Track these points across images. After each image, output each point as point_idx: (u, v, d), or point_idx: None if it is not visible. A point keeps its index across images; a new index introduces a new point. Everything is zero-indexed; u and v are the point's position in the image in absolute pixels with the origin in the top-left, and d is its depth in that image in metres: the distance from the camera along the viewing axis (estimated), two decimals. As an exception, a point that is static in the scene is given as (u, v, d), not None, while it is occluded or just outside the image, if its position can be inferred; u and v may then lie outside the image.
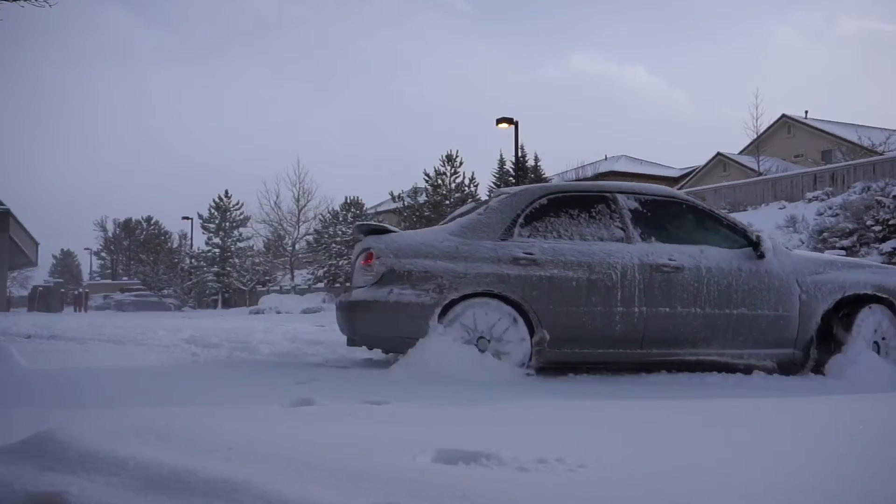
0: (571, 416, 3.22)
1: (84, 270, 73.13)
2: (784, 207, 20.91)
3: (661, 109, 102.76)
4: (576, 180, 36.09)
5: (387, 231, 5.05)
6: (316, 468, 1.86)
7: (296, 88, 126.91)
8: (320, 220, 36.22)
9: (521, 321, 4.68)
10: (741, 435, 2.82)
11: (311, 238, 36.36)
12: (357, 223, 5.54)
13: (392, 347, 4.93)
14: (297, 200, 37.55)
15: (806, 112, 38.47)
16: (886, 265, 5.74)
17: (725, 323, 4.94)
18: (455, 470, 2.01)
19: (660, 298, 4.84)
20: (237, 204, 40.47)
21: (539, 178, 31.03)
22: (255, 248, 41.31)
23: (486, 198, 5.74)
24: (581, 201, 5.07)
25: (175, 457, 1.87)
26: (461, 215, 5.31)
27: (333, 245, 31.71)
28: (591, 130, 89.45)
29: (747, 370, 4.98)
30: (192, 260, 43.51)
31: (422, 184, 30.66)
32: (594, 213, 5.02)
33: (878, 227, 14.21)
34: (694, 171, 39.47)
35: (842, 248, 13.74)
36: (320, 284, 32.33)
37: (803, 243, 15.25)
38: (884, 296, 5.17)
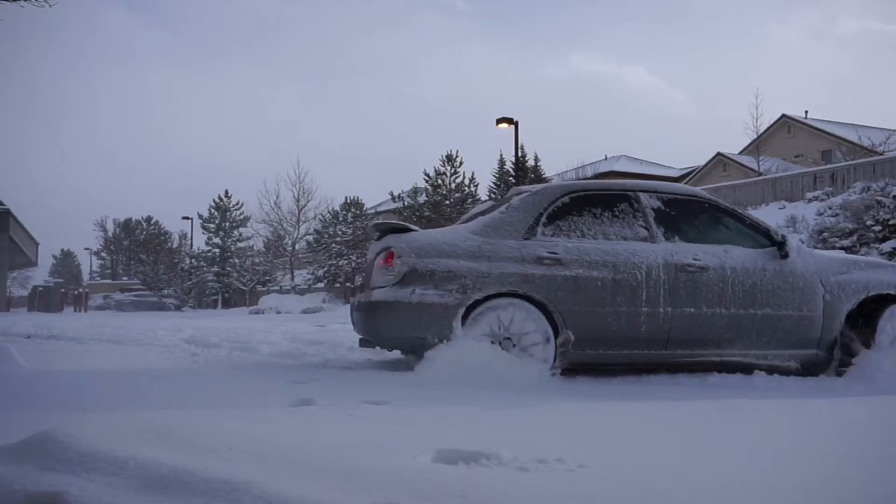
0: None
1: (84, 270, 73.19)
2: (784, 207, 20.92)
3: (661, 109, 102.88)
4: (581, 179, 36.11)
5: (407, 229, 4.95)
6: (316, 468, 1.86)
7: (296, 88, 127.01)
8: (320, 220, 36.24)
9: (545, 322, 4.61)
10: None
11: (311, 238, 36.37)
12: (375, 222, 5.39)
13: (413, 349, 4.77)
14: (297, 200, 37.59)
15: (806, 112, 38.51)
16: None
17: (750, 323, 4.90)
18: (455, 470, 2.01)
19: (685, 299, 4.79)
20: (237, 204, 40.53)
21: (539, 178, 31.00)
22: (255, 248, 41.36)
23: (500, 197, 5.67)
24: (603, 200, 5.01)
25: (175, 457, 1.87)
26: (481, 213, 5.22)
27: (333, 245, 31.72)
28: (591, 130, 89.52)
29: (770, 370, 4.92)
30: (192, 260, 43.53)
31: (422, 184, 30.68)
32: (617, 212, 4.96)
33: (878, 227, 14.21)
34: (694, 171, 39.47)
35: (841, 248, 13.74)
36: (320, 284, 32.35)
37: (803, 243, 15.25)
38: None
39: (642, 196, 5.06)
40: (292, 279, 36.51)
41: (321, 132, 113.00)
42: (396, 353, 6.18)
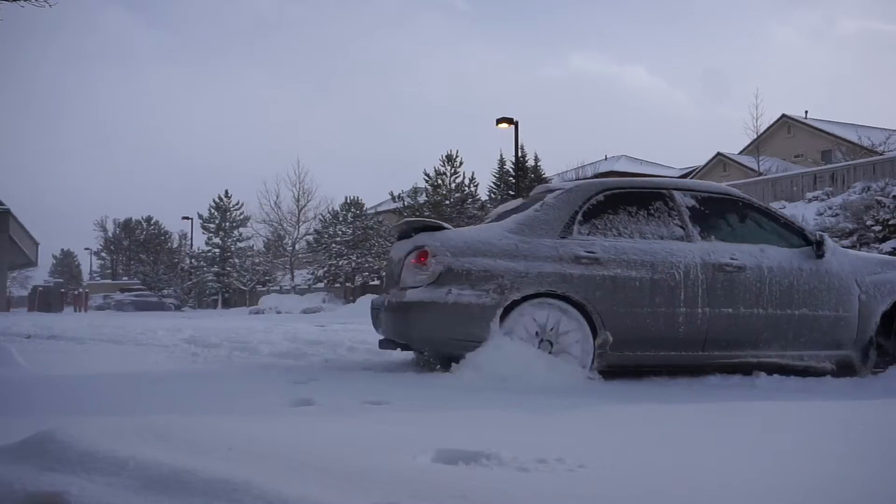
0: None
1: (84, 270, 73.16)
2: (784, 207, 20.89)
3: (661, 109, 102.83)
4: (579, 179, 36.09)
5: (440, 227, 4.82)
6: (316, 468, 1.86)
7: (296, 88, 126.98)
8: (320, 220, 36.23)
9: (584, 323, 4.52)
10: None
11: (311, 238, 36.37)
12: (406, 219, 5.27)
13: (448, 350, 4.63)
14: (297, 200, 37.60)
15: (806, 112, 38.51)
16: None
17: (787, 324, 4.86)
18: (455, 470, 2.01)
19: (723, 299, 4.74)
20: (237, 204, 40.54)
21: (539, 178, 30.99)
22: (255, 248, 41.37)
23: (525, 195, 5.51)
24: (638, 198, 4.93)
25: (175, 457, 1.87)
26: (513, 211, 5.12)
27: (333, 245, 31.71)
28: (591, 130, 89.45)
29: (804, 372, 4.89)
30: (192, 260, 43.55)
31: (422, 184, 30.67)
32: (652, 211, 4.89)
33: (878, 227, 14.21)
34: (694, 171, 39.46)
35: (842, 248, 13.73)
36: (320, 284, 32.35)
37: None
38: None
39: (676, 194, 5.00)
40: (292, 279, 36.51)
41: (321, 132, 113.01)
42: (395, 354, 6.18)
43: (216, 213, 40.21)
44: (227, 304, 38.79)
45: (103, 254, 70.00)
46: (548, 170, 32.58)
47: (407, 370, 5.04)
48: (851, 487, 2.01)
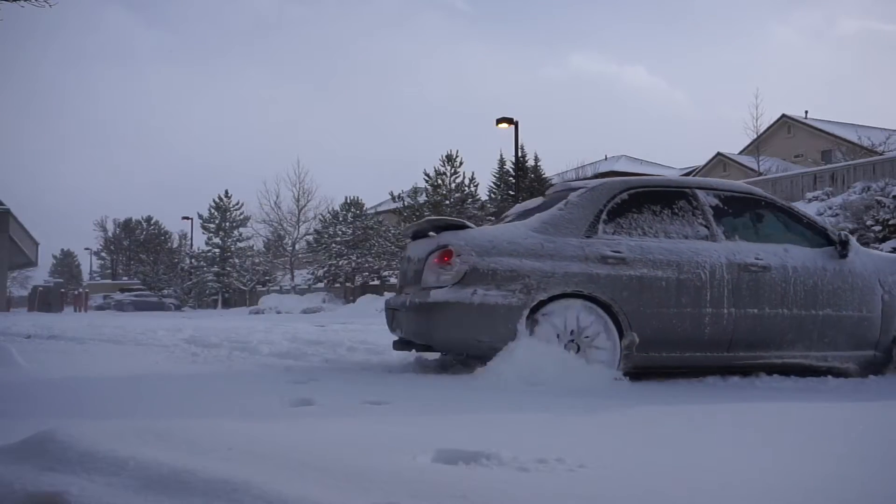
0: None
1: (84, 270, 73.19)
2: (784, 207, 20.87)
3: (661, 109, 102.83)
4: (579, 178, 36.04)
5: (463, 226, 4.72)
6: (316, 468, 1.86)
7: (296, 88, 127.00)
8: (320, 220, 36.24)
9: (610, 324, 4.46)
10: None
11: (311, 238, 36.38)
12: (427, 217, 5.17)
13: (472, 352, 4.57)
14: (297, 200, 37.62)
15: (806, 112, 38.51)
16: None
17: (811, 324, 4.83)
18: (455, 470, 2.01)
19: (748, 299, 4.70)
20: (237, 204, 40.55)
21: (539, 178, 31.00)
22: (255, 248, 41.37)
23: (546, 194, 5.32)
24: (662, 197, 4.88)
25: (175, 457, 1.87)
26: (536, 209, 5.03)
27: (333, 245, 31.71)
28: (591, 130, 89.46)
29: (829, 373, 4.86)
30: (192, 260, 43.56)
31: (422, 184, 30.67)
32: (676, 210, 4.84)
33: (877, 227, 14.21)
34: (694, 171, 39.46)
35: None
36: (320, 284, 32.35)
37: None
38: None
39: (700, 193, 4.95)
40: (292, 279, 36.52)
41: (321, 132, 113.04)
42: (395, 354, 6.18)
43: (216, 213, 40.22)
44: (227, 304, 38.79)
45: (103, 254, 70.01)
46: (548, 170, 32.62)
47: (407, 370, 5.04)
48: (851, 487, 2.01)
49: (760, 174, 29.91)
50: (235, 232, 40.39)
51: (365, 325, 13.26)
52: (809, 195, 21.08)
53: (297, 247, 38.20)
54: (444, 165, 29.85)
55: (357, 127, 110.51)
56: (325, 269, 32.09)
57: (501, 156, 31.98)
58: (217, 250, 40.07)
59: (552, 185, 5.73)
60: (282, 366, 5.37)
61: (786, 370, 4.80)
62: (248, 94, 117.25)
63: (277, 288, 36.90)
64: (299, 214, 37.57)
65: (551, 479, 1.94)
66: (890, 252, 12.94)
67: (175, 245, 60.31)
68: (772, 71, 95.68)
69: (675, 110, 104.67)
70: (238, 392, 3.99)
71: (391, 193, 32.66)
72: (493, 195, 31.65)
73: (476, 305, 4.34)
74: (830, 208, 16.84)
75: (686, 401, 3.80)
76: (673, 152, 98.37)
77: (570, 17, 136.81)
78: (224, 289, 39.34)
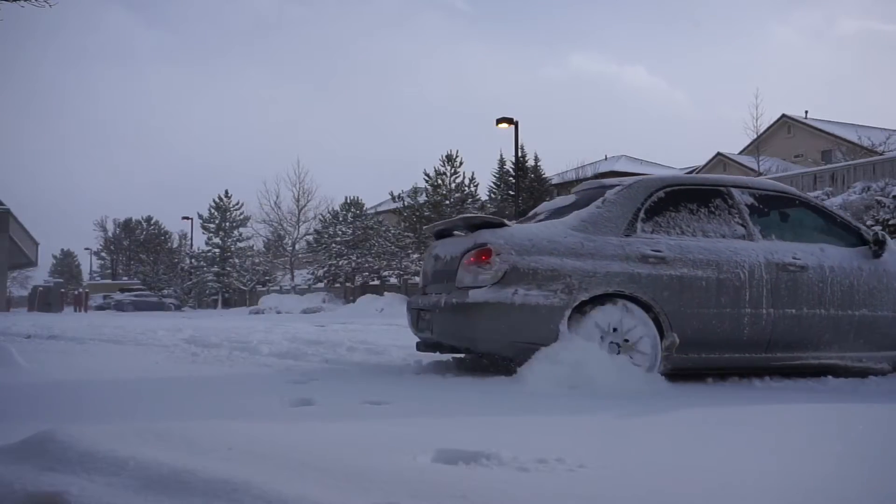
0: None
1: (84, 270, 73.18)
2: (784, 207, 20.87)
3: (661, 109, 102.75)
4: (577, 179, 36.01)
5: (501, 224, 4.60)
6: (316, 468, 1.86)
7: (296, 88, 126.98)
8: (320, 220, 36.25)
9: (651, 324, 4.38)
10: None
11: (311, 238, 36.38)
12: (464, 215, 4.91)
13: (511, 354, 4.39)
14: (297, 200, 37.61)
15: (806, 112, 38.49)
16: None
17: (848, 325, 4.80)
18: (455, 470, 2.01)
19: (786, 299, 4.65)
20: (237, 204, 40.56)
21: (539, 178, 31.01)
22: (255, 248, 41.38)
23: (577, 191, 5.25)
24: (697, 195, 4.82)
25: (175, 457, 1.87)
26: (568, 207, 4.92)
27: (333, 245, 31.72)
28: (591, 130, 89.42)
29: (864, 373, 4.83)
30: (192, 260, 43.57)
31: (422, 184, 30.67)
32: (712, 208, 4.79)
33: (877, 228, 14.21)
34: (694, 171, 39.46)
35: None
36: (320, 284, 32.35)
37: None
38: None
39: (735, 192, 4.89)
40: (292, 279, 36.51)
41: (321, 132, 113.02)
42: (394, 354, 6.18)
43: (216, 213, 40.23)
44: (227, 304, 38.80)
45: (103, 254, 70.01)
46: (548, 170, 32.62)
47: (407, 370, 5.03)
48: (851, 487, 2.01)
49: (760, 174, 29.91)
50: (235, 232, 40.40)
51: (365, 325, 13.26)
52: (809, 195, 21.06)
53: (297, 247, 38.20)
54: (444, 165, 29.85)
55: (357, 127, 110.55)
56: (325, 269, 32.10)
57: (501, 156, 32.00)
58: (217, 250, 40.08)
59: (582, 181, 5.55)
60: (282, 366, 5.37)
61: (822, 371, 4.77)
62: (248, 94, 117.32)
63: (277, 288, 36.90)
64: (299, 214, 37.60)
65: (551, 479, 1.94)
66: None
67: (175, 245, 60.32)
68: (772, 71, 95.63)
69: (675, 110, 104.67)
70: (238, 392, 3.99)
71: (391, 193, 32.67)
72: (493, 195, 31.65)
73: (517, 306, 4.25)
74: (830, 208, 16.81)
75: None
76: (673, 152, 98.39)
77: (570, 17, 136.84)
78: (224, 289, 39.34)
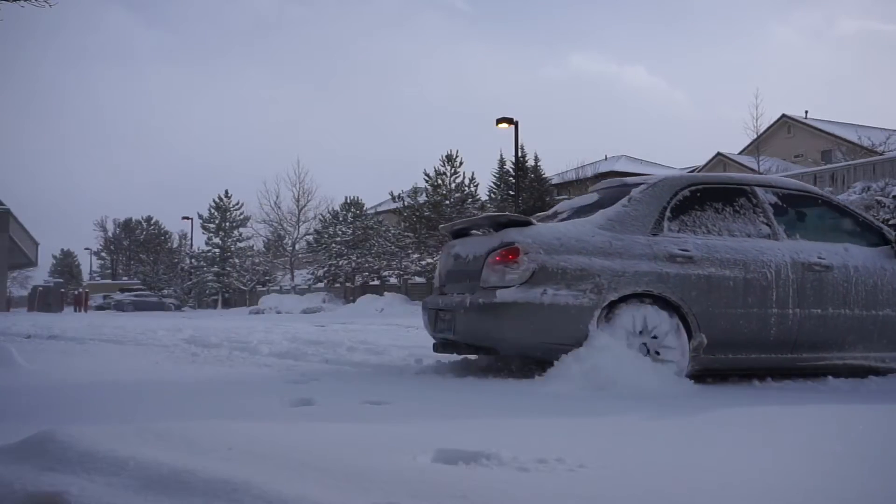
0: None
1: (84, 270, 73.14)
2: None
3: (661, 109, 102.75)
4: (577, 179, 36.02)
5: (527, 223, 4.53)
6: (316, 468, 1.86)
7: (296, 88, 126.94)
8: (320, 220, 36.24)
9: (679, 325, 4.33)
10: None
11: (311, 238, 36.37)
12: (488, 213, 4.94)
13: (538, 355, 4.35)
14: (297, 200, 37.59)
15: (806, 112, 38.49)
16: None
17: (872, 325, 4.78)
18: (455, 470, 2.01)
19: (812, 300, 4.63)
20: (237, 204, 40.57)
21: (539, 178, 30.98)
22: (255, 248, 41.37)
23: (588, 191, 5.19)
24: (722, 194, 4.78)
25: (175, 457, 1.87)
26: (592, 206, 4.85)
27: (333, 245, 31.71)
28: (591, 130, 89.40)
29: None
30: (192, 260, 43.57)
31: (422, 184, 30.65)
32: (737, 207, 4.75)
33: None
34: (694, 171, 39.47)
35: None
36: (320, 284, 32.35)
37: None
38: None
39: (758, 191, 4.86)
40: (292, 279, 36.51)
41: (321, 132, 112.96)
42: (394, 354, 6.18)
43: (216, 213, 40.24)
44: (227, 304, 38.80)
45: (103, 254, 70.04)
46: (548, 170, 32.57)
47: (407, 370, 5.03)
48: (851, 487, 2.01)
49: (760, 174, 29.89)
50: (235, 232, 40.41)
51: (365, 325, 13.26)
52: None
53: (297, 247, 38.20)
54: (444, 165, 29.83)
55: (357, 127, 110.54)
56: (325, 269, 32.09)
57: (501, 156, 31.92)
58: (217, 250, 40.08)
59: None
60: (282, 366, 5.37)
61: (846, 372, 4.75)
62: (248, 94, 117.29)
63: (277, 288, 36.90)
64: (299, 214, 37.58)
65: (551, 479, 1.94)
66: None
67: (175, 245, 60.32)
68: (772, 71, 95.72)
69: (675, 110, 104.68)
70: (238, 392, 3.99)
71: (391, 193, 32.62)
72: (493, 195, 31.60)
73: (546, 306, 4.19)
74: (830, 208, 16.81)
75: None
76: (673, 152, 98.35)
77: (570, 17, 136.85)
78: (224, 289, 39.35)
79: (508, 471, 2.02)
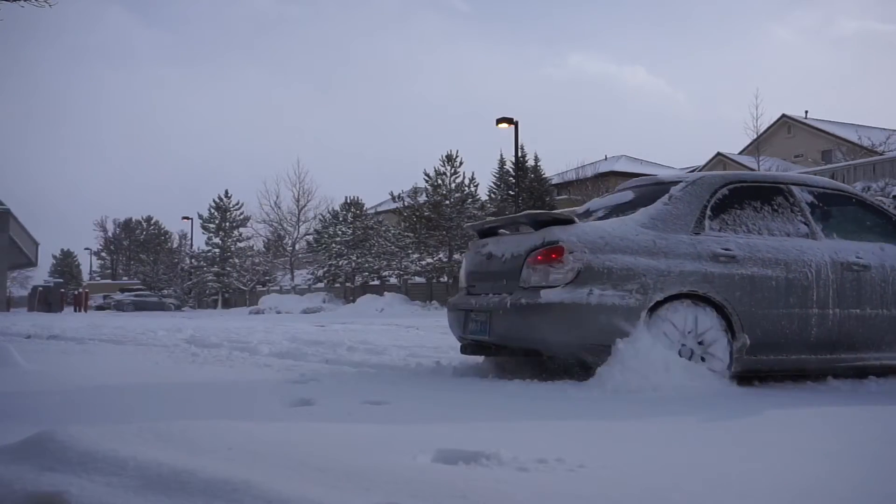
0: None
1: (84, 270, 73.12)
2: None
3: (661, 109, 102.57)
4: (577, 179, 35.99)
5: (570, 221, 4.42)
6: (316, 468, 1.86)
7: (296, 88, 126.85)
8: (320, 220, 36.25)
9: (723, 325, 4.29)
10: None
11: (311, 238, 36.38)
12: (528, 211, 4.72)
13: (582, 356, 4.25)
14: (297, 200, 37.61)
15: (806, 112, 38.51)
16: None
17: None
18: (455, 470, 2.01)
19: (851, 299, 4.60)
20: (237, 204, 40.57)
21: (539, 178, 31.00)
22: (255, 248, 41.39)
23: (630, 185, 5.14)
24: (760, 192, 4.73)
25: (175, 457, 1.87)
26: (630, 203, 4.78)
27: (333, 245, 31.72)
28: (591, 130, 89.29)
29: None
30: (192, 260, 43.59)
31: (422, 184, 30.65)
32: (775, 206, 4.70)
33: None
34: (694, 171, 39.45)
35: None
36: (320, 284, 32.36)
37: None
38: None
39: (795, 189, 4.82)
40: (292, 279, 36.52)
41: (321, 132, 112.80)
42: (394, 354, 6.18)
43: (216, 213, 40.24)
44: (227, 304, 38.81)
45: (103, 254, 70.07)
46: (548, 170, 32.62)
47: (407, 370, 5.04)
48: (851, 487, 2.01)
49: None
50: (235, 232, 40.42)
51: (365, 325, 13.26)
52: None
53: (297, 247, 38.22)
54: (444, 165, 29.81)
55: (357, 127, 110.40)
56: (325, 269, 32.10)
57: (501, 156, 32.00)
58: (217, 250, 40.09)
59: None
60: (282, 366, 5.37)
61: (884, 372, 4.74)
62: (248, 93, 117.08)
63: (277, 288, 36.91)
64: (299, 214, 37.61)
65: (551, 479, 1.94)
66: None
67: (175, 245, 60.33)
68: (772, 71, 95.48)
69: (675, 110, 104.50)
70: (238, 392, 3.99)
71: (391, 193, 32.60)
72: (493, 195, 31.64)
73: (593, 306, 4.11)
74: (830, 208, 16.82)
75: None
76: (673, 152, 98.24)
77: (570, 17, 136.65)
78: (224, 289, 39.35)
79: (508, 470, 2.02)
